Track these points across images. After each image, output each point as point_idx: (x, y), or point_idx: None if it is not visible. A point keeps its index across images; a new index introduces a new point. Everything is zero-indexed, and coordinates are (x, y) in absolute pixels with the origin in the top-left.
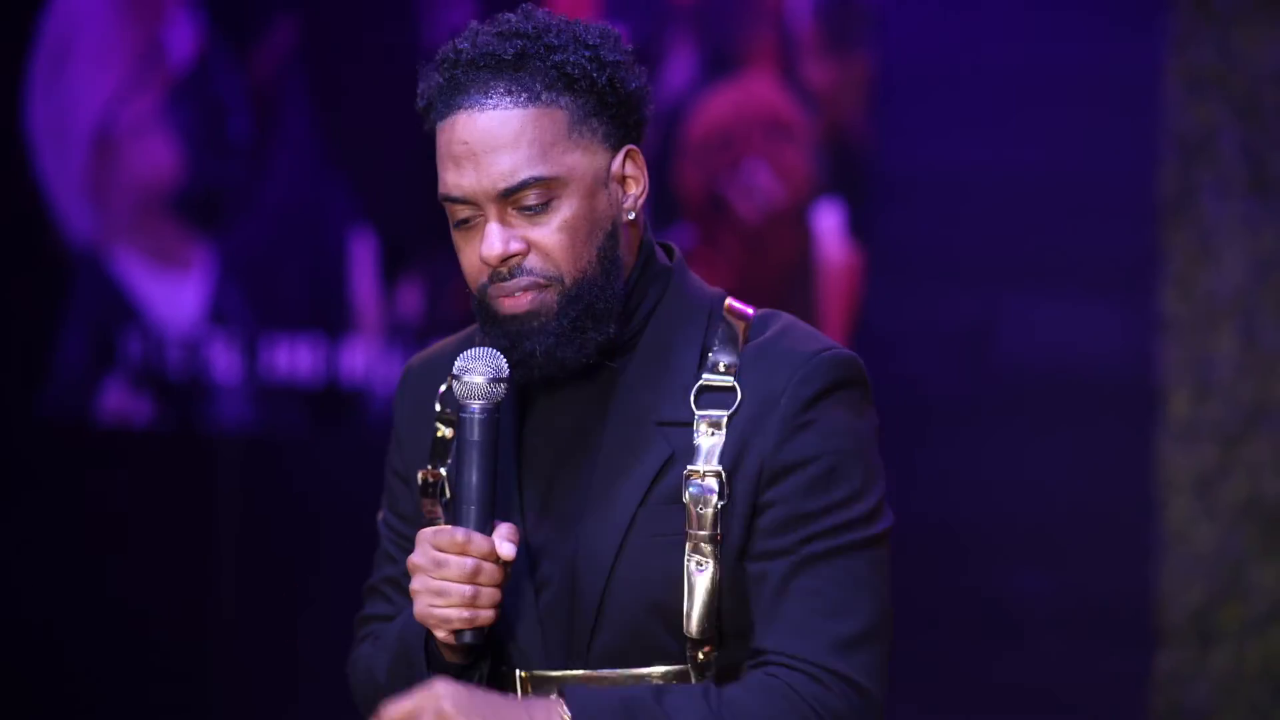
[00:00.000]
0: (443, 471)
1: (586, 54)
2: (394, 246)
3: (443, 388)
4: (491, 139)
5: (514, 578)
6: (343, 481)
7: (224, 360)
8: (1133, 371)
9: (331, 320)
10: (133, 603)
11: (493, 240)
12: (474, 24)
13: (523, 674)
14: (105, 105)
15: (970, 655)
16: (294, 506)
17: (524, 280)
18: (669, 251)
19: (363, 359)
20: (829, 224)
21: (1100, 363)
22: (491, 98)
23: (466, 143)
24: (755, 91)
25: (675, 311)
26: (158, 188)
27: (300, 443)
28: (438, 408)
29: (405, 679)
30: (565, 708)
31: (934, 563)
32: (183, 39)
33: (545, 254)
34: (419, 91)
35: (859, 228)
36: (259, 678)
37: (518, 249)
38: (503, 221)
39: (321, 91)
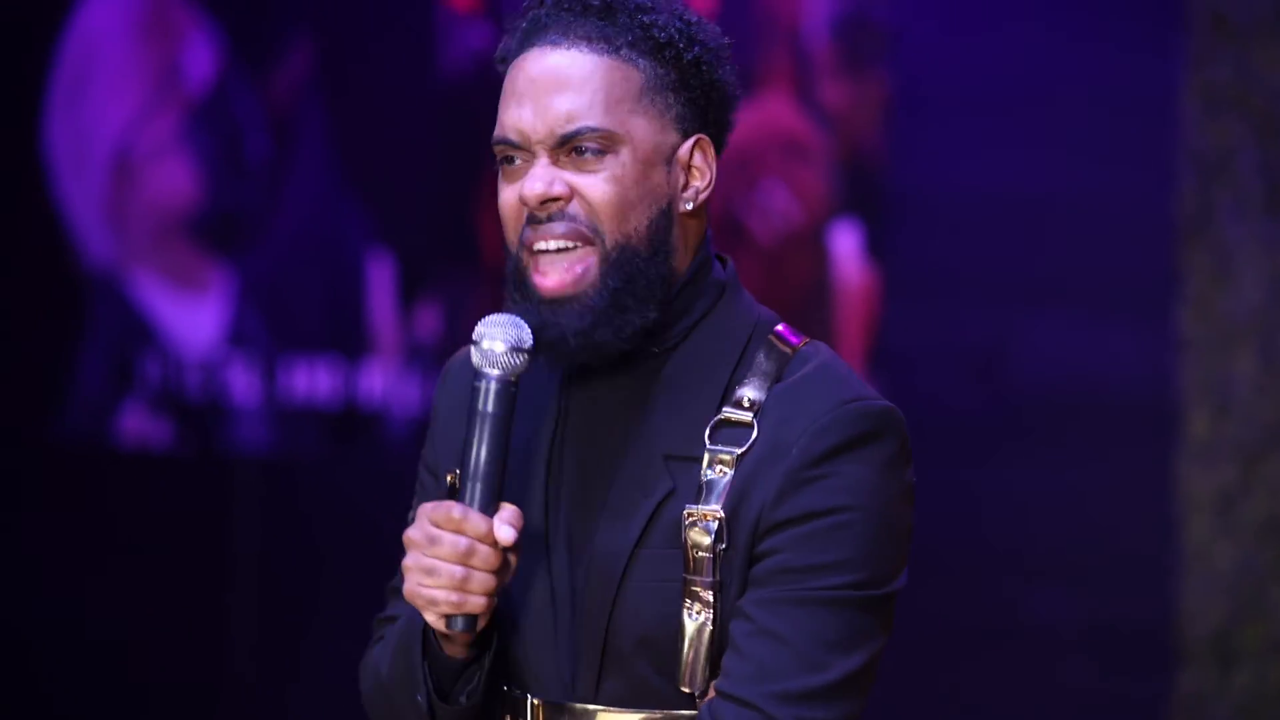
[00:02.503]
0: None
1: (679, 25)
2: (411, 268)
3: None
4: (559, 77)
5: (534, 600)
6: (361, 503)
7: (242, 383)
8: (1151, 391)
9: (350, 342)
10: (152, 625)
11: (535, 179)
12: None
13: (536, 702)
14: (124, 128)
15: (989, 675)
16: (312, 529)
17: (561, 226)
18: (724, 263)
19: (381, 381)
20: (846, 245)
21: (1119, 383)
22: (569, 37)
23: (533, 78)
24: (772, 112)
25: (716, 334)
26: (176, 210)
27: (319, 465)
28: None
29: (404, 669)
30: None
31: (953, 583)
32: (201, 62)
33: (589, 204)
34: (499, 49)
35: (876, 248)
36: (277, 699)
37: (561, 191)
38: (551, 164)
39: (339, 114)
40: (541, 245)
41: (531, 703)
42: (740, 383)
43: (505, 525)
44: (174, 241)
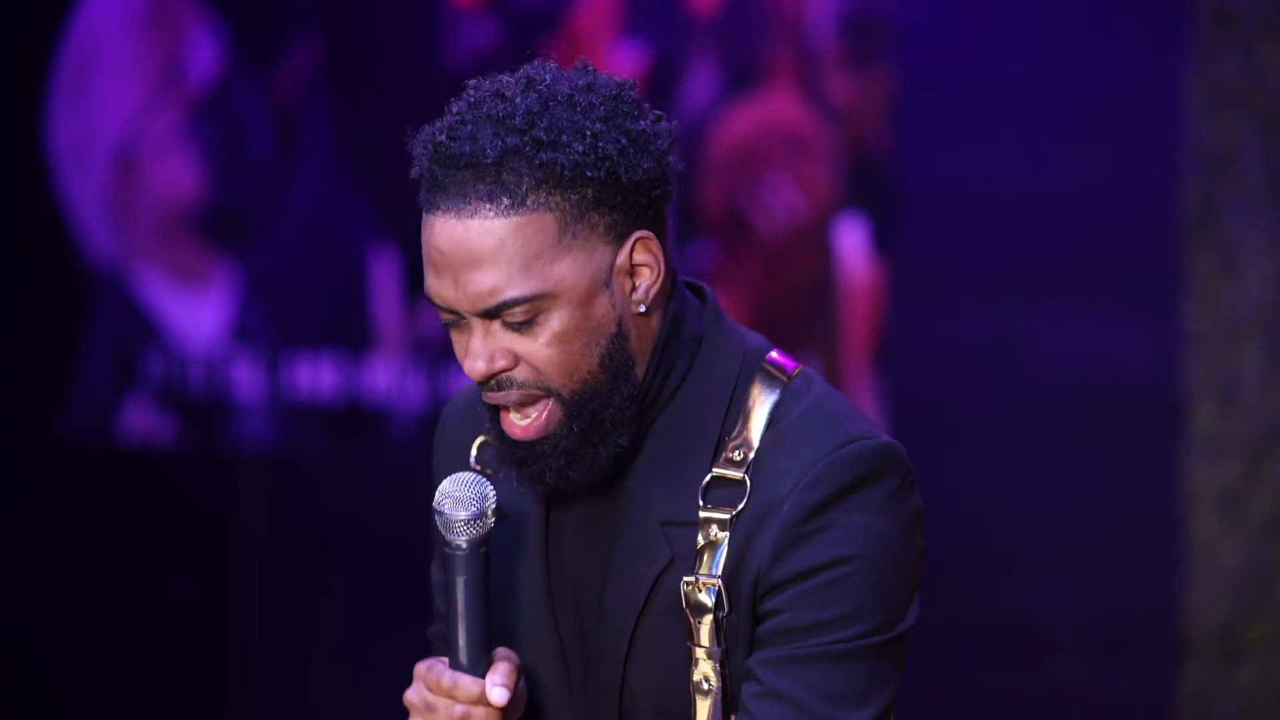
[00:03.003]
0: None
1: (580, 148)
2: (416, 263)
3: (477, 443)
4: (469, 254)
5: (547, 671)
6: (365, 499)
7: (246, 379)
8: (1157, 387)
9: (354, 338)
10: (154, 623)
11: (476, 359)
12: (470, 85)
13: None
14: (127, 124)
15: (994, 672)
16: (317, 524)
17: (515, 394)
18: (700, 295)
19: (385, 377)
20: (851, 240)
21: (1124, 378)
22: (470, 203)
23: (443, 252)
24: (776, 107)
25: (698, 390)
26: (179, 206)
27: (322, 461)
28: (474, 465)
29: None
30: None
31: (958, 579)
32: (204, 58)
33: (535, 368)
34: (415, 166)
35: (881, 243)
36: (279, 697)
37: (503, 365)
38: (487, 334)
39: (343, 109)
40: (499, 403)
41: None
42: (730, 434)
43: (497, 688)
44: (177, 237)
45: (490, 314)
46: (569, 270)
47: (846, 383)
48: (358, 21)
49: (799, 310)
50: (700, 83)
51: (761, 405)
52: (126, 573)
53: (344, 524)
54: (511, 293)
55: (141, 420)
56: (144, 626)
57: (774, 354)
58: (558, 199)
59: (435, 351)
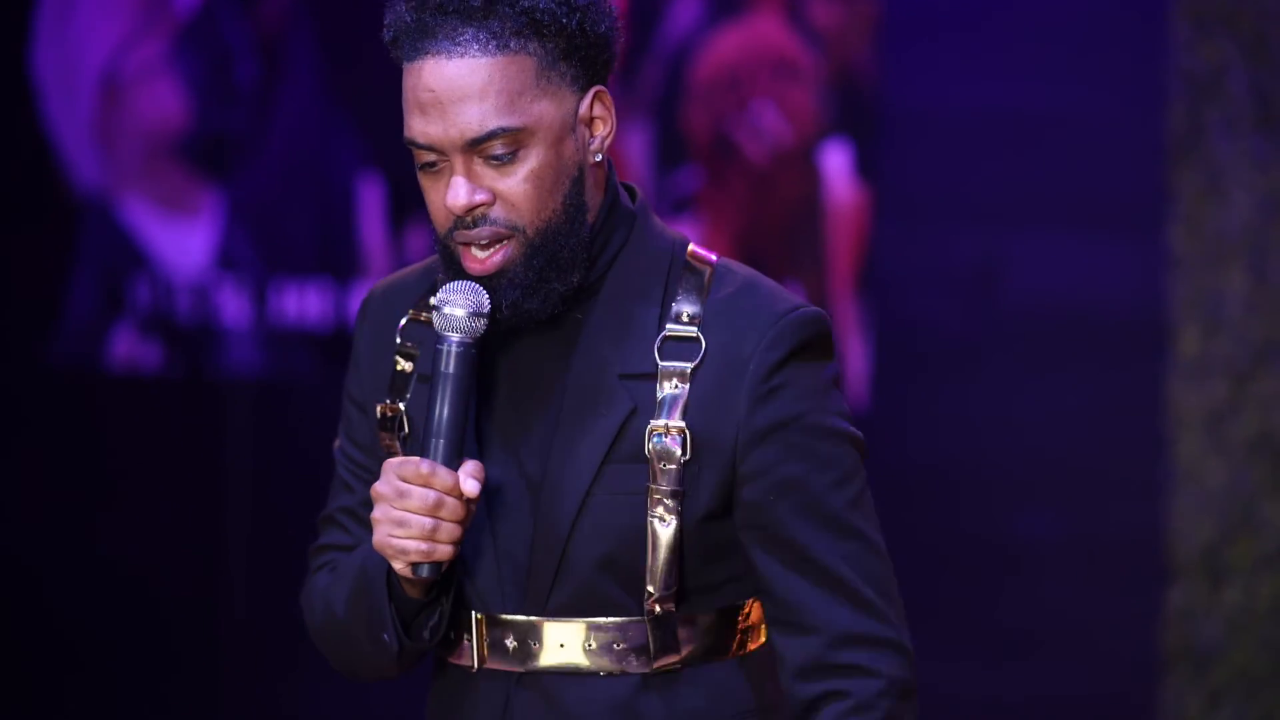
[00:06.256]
0: (401, 406)
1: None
2: (402, 191)
3: (403, 320)
4: (458, 88)
5: (475, 522)
6: None
7: (233, 305)
8: (1142, 309)
9: (340, 265)
10: (142, 548)
11: (458, 191)
12: None
13: (479, 616)
14: (112, 51)
15: (980, 595)
16: (304, 450)
17: (487, 230)
18: (632, 194)
19: None
20: (837, 164)
21: (1109, 301)
22: (459, 44)
23: (433, 90)
24: (762, 32)
25: (638, 258)
26: (165, 134)
27: (309, 387)
28: (398, 340)
29: (365, 611)
30: None
31: (943, 502)
32: None
33: (510, 205)
34: (385, 22)
35: (867, 168)
36: (267, 624)
37: (483, 199)
38: (468, 171)
39: (329, 36)
40: (467, 242)
41: (475, 618)
42: (675, 299)
43: (470, 479)
44: (163, 165)
45: (477, 143)
46: (546, 110)
47: (832, 307)
48: None
49: (784, 235)
50: (685, 8)
51: (698, 277)
52: (115, 497)
53: (330, 447)
54: (498, 123)
55: (129, 347)
56: (132, 549)
57: (694, 246)
58: (535, 45)
59: None
